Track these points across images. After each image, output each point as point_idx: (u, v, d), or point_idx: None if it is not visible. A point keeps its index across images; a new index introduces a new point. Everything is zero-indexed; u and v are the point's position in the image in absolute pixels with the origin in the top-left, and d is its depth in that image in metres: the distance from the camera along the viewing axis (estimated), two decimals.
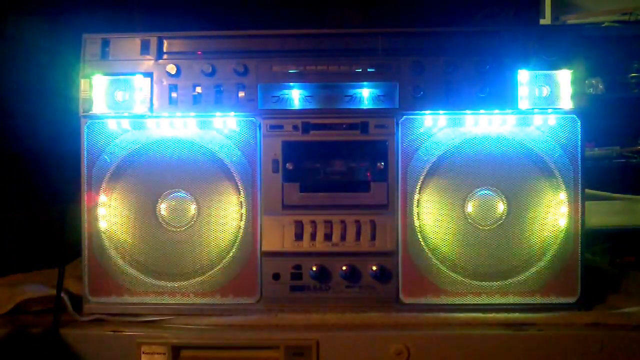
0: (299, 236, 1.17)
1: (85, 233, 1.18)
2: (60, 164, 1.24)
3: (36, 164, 1.47)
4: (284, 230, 1.17)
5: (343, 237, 1.16)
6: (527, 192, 1.17)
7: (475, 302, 1.17)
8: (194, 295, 1.18)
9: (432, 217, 1.17)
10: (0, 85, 1.47)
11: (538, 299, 1.16)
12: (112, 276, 1.18)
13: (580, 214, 1.16)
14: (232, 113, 1.17)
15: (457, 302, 1.17)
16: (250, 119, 1.18)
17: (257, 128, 1.18)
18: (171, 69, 1.16)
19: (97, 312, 1.17)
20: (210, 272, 1.18)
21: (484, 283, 1.17)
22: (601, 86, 1.85)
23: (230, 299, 1.18)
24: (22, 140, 1.47)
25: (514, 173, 1.17)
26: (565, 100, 1.15)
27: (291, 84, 1.17)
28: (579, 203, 1.16)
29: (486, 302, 1.17)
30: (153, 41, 1.18)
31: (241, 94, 1.17)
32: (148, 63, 1.17)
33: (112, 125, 1.18)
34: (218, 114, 1.17)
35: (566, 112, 1.16)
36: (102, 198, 1.18)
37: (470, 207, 1.17)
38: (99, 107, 1.17)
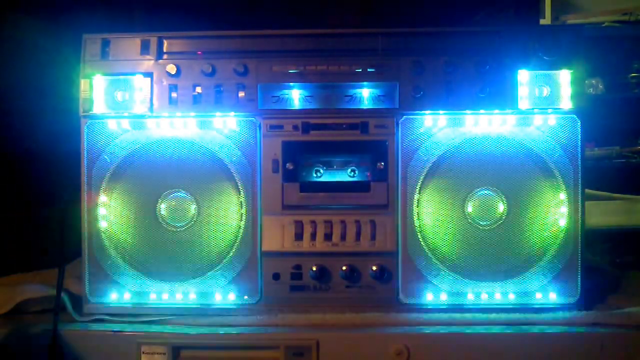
0: (299, 236, 1.17)
1: (85, 233, 1.18)
2: (60, 164, 1.24)
3: (36, 164, 1.47)
4: (284, 230, 1.17)
5: (343, 237, 1.16)
6: (527, 192, 1.17)
7: (475, 302, 1.17)
8: (194, 295, 1.18)
9: (432, 217, 1.17)
10: (0, 85, 1.47)
11: (538, 299, 1.16)
12: (112, 276, 1.18)
13: (580, 214, 1.16)
14: (232, 113, 1.17)
15: (457, 302, 1.17)
16: (250, 119, 1.18)
17: (257, 128, 1.18)
18: (171, 69, 1.16)
19: (97, 312, 1.17)
20: (210, 272, 1.18)
21: (484, 283, 1.17)
22: (601, 86, 1.85)
23: (230, 299, 1.18)
24: (22, 140, 1.47)
25: (514, 173, 1.17)
26: (565, 100, 1.15)
27: (291, 84, 1.17)
28: (579, 203, 1.16)
29: (486, 302, 1.17)
30: (153, 41, 1.18)
31: (241, 94, 1.17)
32: (148, 63, 1.18)
33: (112, 125, 1.18)
34: (218, 114, 1.17)
35: (566, 112, 1.16)
36: (102, 198, 1.18)
37: (470, 207, 1.17)
38: (99, 107, 1.17)
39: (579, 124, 1.16)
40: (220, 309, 1.17)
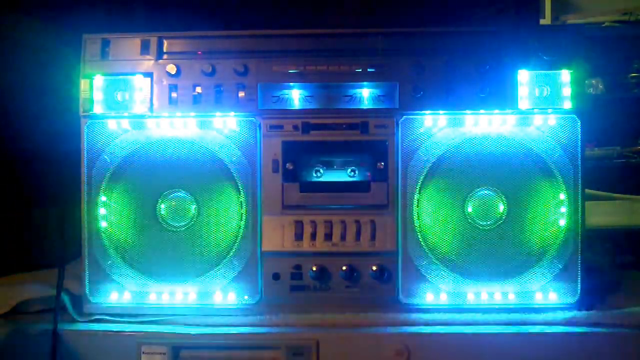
0: (299, 236, 1.17)
1: (85, 233, 1.18)
2: (60, 164, 1.24)
3: (36, 164, 1.47)
4: (284, 230, 1.17)
5: (343, 237, 1.16)
6: (527, 192, 1.17)
7: (475, 302, 1.17)
8: (194, 295, 1.18)
9: (432, 217, 1.17)
10: (0, 85, 1.47)
11: (538, 299, 1.16)
12: (112, 276, 1.18)
13: (580, 214, 1.16)
14: (232, 113, 1.17)
15: (457, 302, 1.17)
16: (250, 119, 1.18)
17: (257, 128, 1.18)
18: (171, 69, 1.16)
19: (97, 312, 1.17)
20: (210, 272, 1.18)
21: (484, 283, 1.17)
22: (601, 86, 1.85)
23: (230, 299, 1.18)
24: (22, 140, 1.47)
25: (514, 173, 1.17)
26: (565, 100, 1.15)
27: (291, 83, 1.17)
28: (579, 203, 1.16)
29: (486, 302, 1.17)
30: (153, 41, 1.18)
31: (241, 93, 1.17)
32: (148, 63, 1.18)
33: (112, 125, 1.18)
34: (218, 114, 1.17)
35: (566, 112, 1.16)
36: (102, 198, 1.18)
37: (470, 207, 1.17)
38: (99, 107, 1.17)
39: (579, 124, 1.16)
40: (221, 309, 1.17)
